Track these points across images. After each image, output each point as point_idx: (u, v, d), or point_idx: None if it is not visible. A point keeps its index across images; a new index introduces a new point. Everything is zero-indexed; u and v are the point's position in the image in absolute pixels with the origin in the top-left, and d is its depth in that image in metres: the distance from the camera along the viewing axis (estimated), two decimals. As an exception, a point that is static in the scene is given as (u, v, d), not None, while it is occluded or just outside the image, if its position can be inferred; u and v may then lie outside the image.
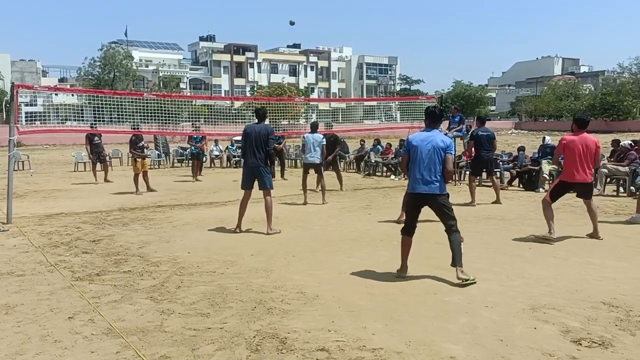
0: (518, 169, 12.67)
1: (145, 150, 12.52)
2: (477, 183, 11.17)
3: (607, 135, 33.26)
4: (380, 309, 4.28)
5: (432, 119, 5.21)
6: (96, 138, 14.14)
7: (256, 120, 7.61)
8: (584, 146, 6.63)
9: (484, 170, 10.22)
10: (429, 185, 4.97)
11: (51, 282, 5.10)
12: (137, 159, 11.99)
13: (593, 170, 6.90)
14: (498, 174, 12.86)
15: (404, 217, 7.95)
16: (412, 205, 5.24)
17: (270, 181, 7.55)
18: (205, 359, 3.39)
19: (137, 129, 12.41)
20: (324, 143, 10.24)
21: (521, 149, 13.31)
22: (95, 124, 13.62)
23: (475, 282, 4.84)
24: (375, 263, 5.72)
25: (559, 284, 4.91)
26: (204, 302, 4.48)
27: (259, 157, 7.33)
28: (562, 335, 3.72)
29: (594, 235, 6.75)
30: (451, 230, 5.02)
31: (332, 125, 14.87)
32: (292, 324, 3.96)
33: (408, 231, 5.25)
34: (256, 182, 7.49)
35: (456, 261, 4.93)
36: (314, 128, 10.60)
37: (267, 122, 8.24)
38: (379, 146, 17.26)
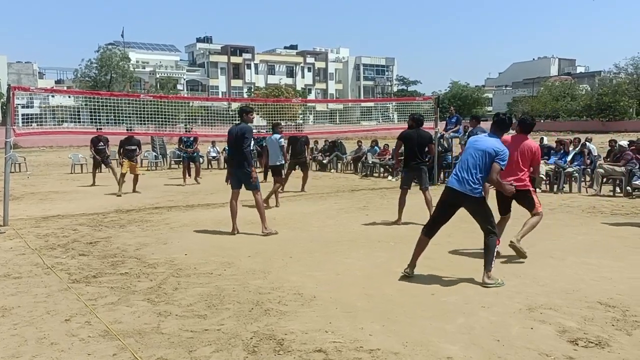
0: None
1: (135, 152, 12.39)
2: None
3: (603, 135, 33.36)
4: (377, 309, 4.28)
5: (500, 126, 5.20)
6: (101, 143, 14.10)
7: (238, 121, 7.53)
8: (518, 150, 5.86)
9: None
10: (461, 184, 4.93)
11: (48, 285, 5.08)
12: (124, 160, 12.03)
13: (527, 176, 5.95)
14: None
15: (401, 220, 8.01)
16: (442, 199, 5.16)
17: (257, 182, 7.46)
18: (202, 361, 3.39)
19: (131, 130, 12.44)
20: (283, 144, 10.01)
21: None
22: (101, 127, 13.60)
23: (503, 285, 4.84)
24: (373, 264, 5.73)
25: (556, 284, 4.92)
26: (201, 303, 4.48)
27: (236, 158, 7.28)
28: (558, 336, 3.72)
29: (517, 252, 5.85)
30: (485, 232, 4.99)
31: (302, 129, 14.94)
32: (290, 325, 3.96)
33: (428, 231, 5.17)
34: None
35: (485, 265, 4.93)
36: (274, 128, 10.29)
37: (262, 122, 8.16)
38: (376, 147, 17.27)
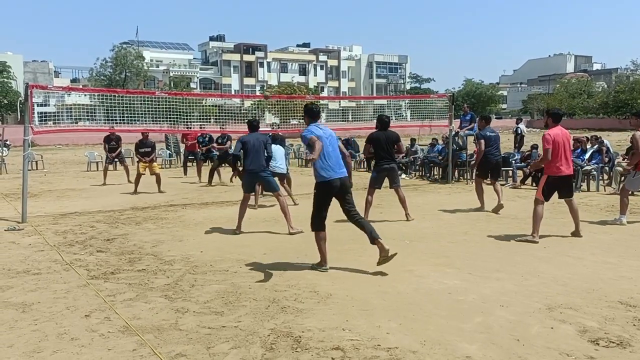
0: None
1: (150, 154, 12.44)
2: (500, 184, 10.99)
3: (621, 133, 32.85)
4: (394, 307, 4.26)
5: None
6: (112, 142, 14.24)
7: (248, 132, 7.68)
8: (565, 139, 6.69)
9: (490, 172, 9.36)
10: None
11: (67, 281, 5.15)
12: (141, 161, 12.21)
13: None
14: (510, 172, 12.78)
15: (367, 219, 7.90)
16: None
17: (276, 183, 7.78)
18: (220, 357, 3.41)
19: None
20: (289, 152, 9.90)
21: (534, 147, 13.19)
22: (113, 125, 13.78)
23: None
24: (388, 262, 5.69)
25: (575, 283, 4.86)
26: (218, 300, 4.50)
27: (260, 163, 7.38)
28: (579, 335, 3.68)
29: (576, 233, 6.76)
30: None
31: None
32: (306, 322, 3.96)
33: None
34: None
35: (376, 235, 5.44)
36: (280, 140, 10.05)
37: (275, 119, 8.27)
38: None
